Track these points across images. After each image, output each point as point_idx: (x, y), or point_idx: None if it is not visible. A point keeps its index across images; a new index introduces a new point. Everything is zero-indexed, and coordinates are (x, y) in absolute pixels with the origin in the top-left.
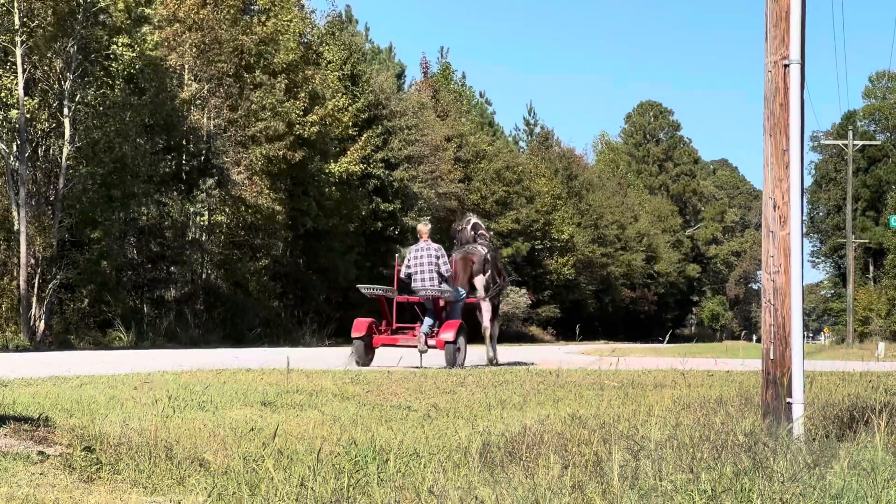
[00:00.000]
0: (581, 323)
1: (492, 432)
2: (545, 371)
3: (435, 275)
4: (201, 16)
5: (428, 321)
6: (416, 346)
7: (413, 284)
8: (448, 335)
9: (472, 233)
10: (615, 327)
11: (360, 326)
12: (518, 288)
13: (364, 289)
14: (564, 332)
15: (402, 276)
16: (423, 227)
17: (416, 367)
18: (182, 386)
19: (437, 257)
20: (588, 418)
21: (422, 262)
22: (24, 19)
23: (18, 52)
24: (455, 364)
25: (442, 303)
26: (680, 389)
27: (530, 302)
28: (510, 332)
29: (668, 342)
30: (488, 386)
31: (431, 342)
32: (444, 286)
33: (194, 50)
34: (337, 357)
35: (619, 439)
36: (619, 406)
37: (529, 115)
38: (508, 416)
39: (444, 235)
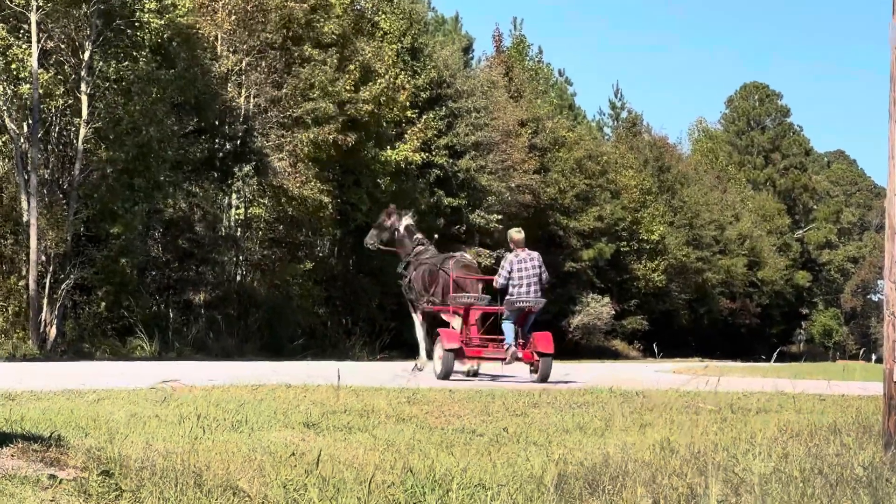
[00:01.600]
0: (671, 337)
1: (569, 461)
2: (630, 392)
3: (539, 285)
4: None
5: (513, 331)
6: (502, 358)
7: (512, 294)
8: (548, 347)
9: (406, 233)
10: (711, 342)
11: (452, 337)
12: (600, 296)
13: (458, 298)
14: (652, 347)
15: (498, 285)
16: (520, 235)
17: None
18: (213, 403)
19: (540, 267)
20: (680, 446)
21: (528, 273)
22: None
23: (33, 17)
24: (548, 378)
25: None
26: (787, 415)
27: (614, 312)
28: (590, 347)
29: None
30: (564, 408)
31: (519, 354)
32: (542, 296)
33: (233, 18)
34: (391, 372)
35: (716, 471)
36: (717, 433)
37: (616, 97)
38: (588, 443)
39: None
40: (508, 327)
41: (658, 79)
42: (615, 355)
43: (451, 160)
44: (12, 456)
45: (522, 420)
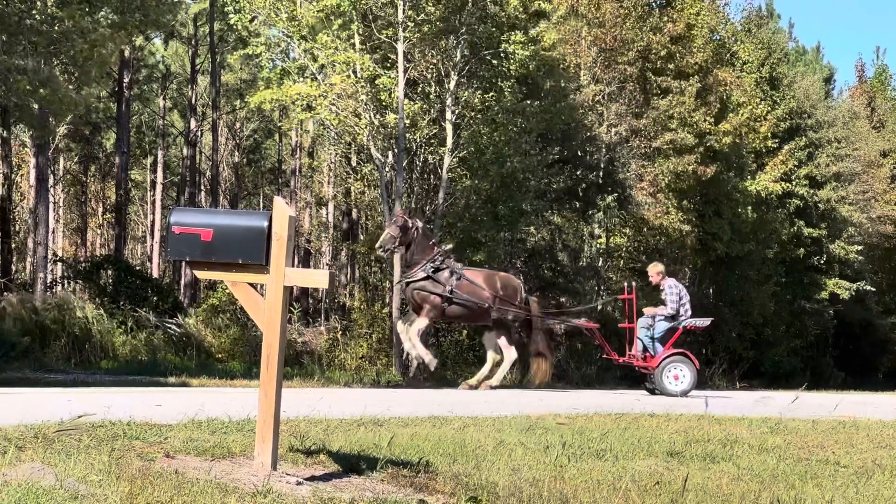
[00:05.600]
0: None
1: None
2: None
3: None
4: (602, 11)
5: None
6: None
7: (683, 317)
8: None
9: (423, 235)
10: None
11: (695, 360)
12: None
13: (700, 322)
14: None
15: (672, 310)
16: (662, 266)
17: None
18: (577, 431)
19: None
20: None
21: (687, 296)
22: (409, 12)
23: (400, 48)
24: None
25: None
26: None
27: None
28: None
29: None
30: None
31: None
32: None
33: (594, 50)
34: (752, 401)
35: None
36: None
37: None
38: None
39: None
40: (659, 347)
41: None
42: None
43: (811, 190)
44: (382, 480)
45: (888, 452)
